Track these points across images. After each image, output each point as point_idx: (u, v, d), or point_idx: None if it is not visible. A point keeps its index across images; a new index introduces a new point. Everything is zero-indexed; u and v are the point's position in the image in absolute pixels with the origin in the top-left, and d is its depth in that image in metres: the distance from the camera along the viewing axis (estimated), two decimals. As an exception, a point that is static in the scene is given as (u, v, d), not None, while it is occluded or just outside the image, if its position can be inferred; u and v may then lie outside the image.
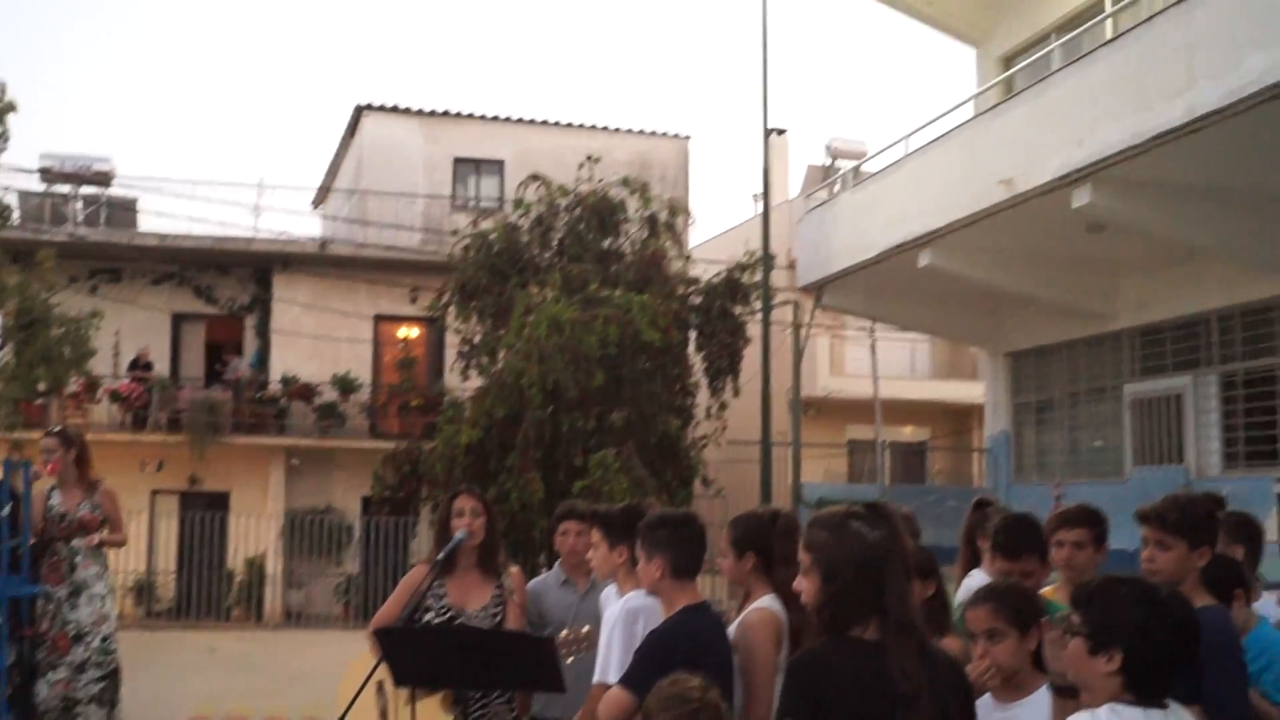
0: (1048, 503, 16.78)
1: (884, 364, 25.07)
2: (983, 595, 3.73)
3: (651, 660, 3.86)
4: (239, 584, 22.06)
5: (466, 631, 4.87)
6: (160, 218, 24.73)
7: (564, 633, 4.93)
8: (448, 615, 5.31)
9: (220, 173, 76.18)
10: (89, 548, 8.05)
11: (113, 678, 8.08)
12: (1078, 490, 16.55)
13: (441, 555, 5.22)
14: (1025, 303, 16.96)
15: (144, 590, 21.96)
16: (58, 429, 8.73)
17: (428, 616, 5.27)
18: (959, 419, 27.85)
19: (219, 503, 22.78)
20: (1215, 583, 4.17)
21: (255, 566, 21.92)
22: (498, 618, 5.38)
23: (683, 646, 3.77)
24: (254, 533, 21.62)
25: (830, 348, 25.80)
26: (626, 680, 3.94)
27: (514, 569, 5.71)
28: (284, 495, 22.74)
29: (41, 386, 20.58)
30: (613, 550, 4.89)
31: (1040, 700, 3.59)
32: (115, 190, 23.66)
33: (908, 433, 28.51)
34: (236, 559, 22.08)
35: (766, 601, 4.47)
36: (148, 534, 22.03)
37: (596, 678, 4.45)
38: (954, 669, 3.11)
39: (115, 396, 21.98)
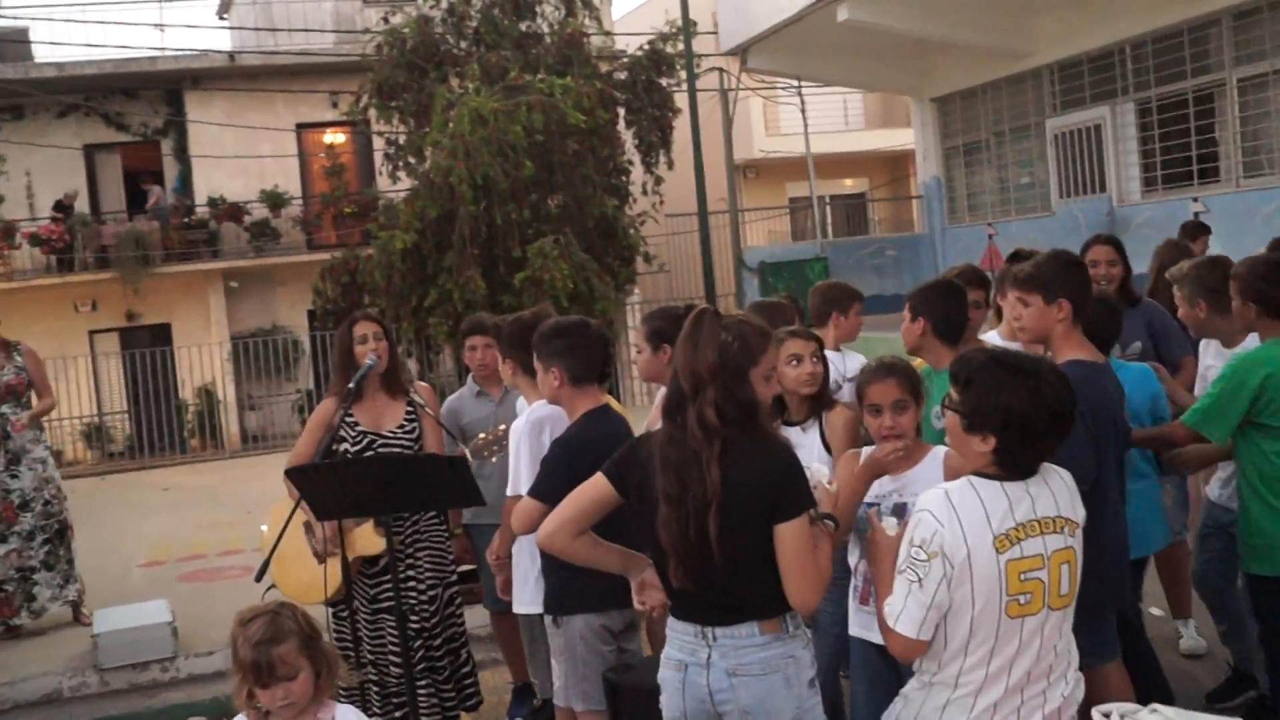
0: (982, 242, 17.17)
1: (817, 119, 24.86)
2: (885, 370, 3.79)
3: (558, 467, 3.98)
4: (193, 414, 21.85)
5: (378, 460, 4.95)
6: (57, 47, 23.71)
7: (480, 436, 5.03)
8: (365, 441, 5.32)
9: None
10: (24, 410, 7.72)
11: (60, 538, 7.92)
12: (1008, 227, 16.89)
13: (352, 384, 5.22)
14: (947, 47, 16.89)
15: (96, 434, 21.72)
16: None
17: (343, 447, 5.28)
18: (897, 166, 27.91)
19: (161, 335, 22.47)
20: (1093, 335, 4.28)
21: (207, 395, 21.67)
22: (414, 434, 5.41)
23: (587, 451, 3.85)
24: (201, 361, 21.39)
25: (764, 109, 25.58)
26: (535, 490, 4.04)
27: (422, 384, 5.76)
28: (226, 319, 22.53)
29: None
30: (504, 362, 4.96)
31: (929, 465, 3.72)
32: (2, 22, 22.58)
33: (848, 185, 28.60)
34: (187, 390, 21.85)
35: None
36: (91, 376, 21.52)
37: (509, 490, 4.56)
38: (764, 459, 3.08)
39: (36, 240, 21.32)
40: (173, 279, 22.02)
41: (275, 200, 22.22)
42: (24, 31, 22.81)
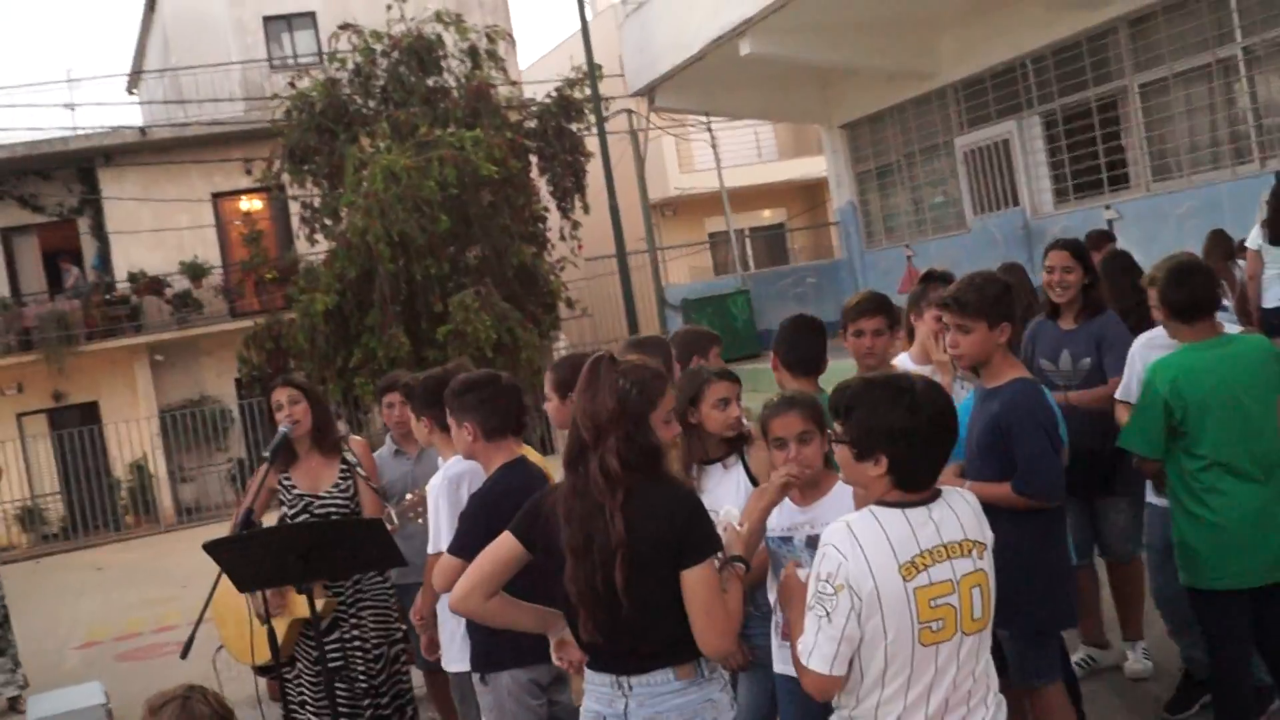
0: (901, 264, 17.38)
1: (730, 153, 25.14)
2: (786, 404, 3.80)
3: (475, 523, 3.96)
4: (126, 491, 21.68)
5: (292, 529, 4.96)
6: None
7: (408, 497, 5.07)
8: (301, 504, 5.41)
9: (24, 74, 71.80)
10: None
11: (5, 624, 7.91)
12: (925, 247, 17.11)
13: (267, 452, 5.29)
14: (851, 73, 17.11)
15: (30, 517, 21.46)
16: None
17: (284, 510, 5.41)
18: (813, 194, 28.19)
19: (89, 414, 22.23)
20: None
21: (139, 470, 21.50)
22: (349, 492, 5.48)
23: (504, 504, 3.81)
24: (131, 437, 21.18)
25: (677, 147, 25.80)
26: (454, 547, 4.03)
27: (356, 439, 5.85)
28: (154, 393, 22.28)
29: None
30: (419, 420, 4.99)
31: (839, 494, 3.70)
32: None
33: (766, 216, 28.84)
34: (118, 466, 21.65)
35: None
36: (22, 458, 21.27)
37: (430, 548, 4.57)
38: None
39: (-45, 326, 21.08)
40: (97, 356, 21.78)
41: (195, 271, 22.08)
42: (-71, 118, 22.48)
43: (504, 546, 3.27)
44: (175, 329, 22.18)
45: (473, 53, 18.08)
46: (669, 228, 26.05)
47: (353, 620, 5.36)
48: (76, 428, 21.30)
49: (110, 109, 50.14)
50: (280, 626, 5.01)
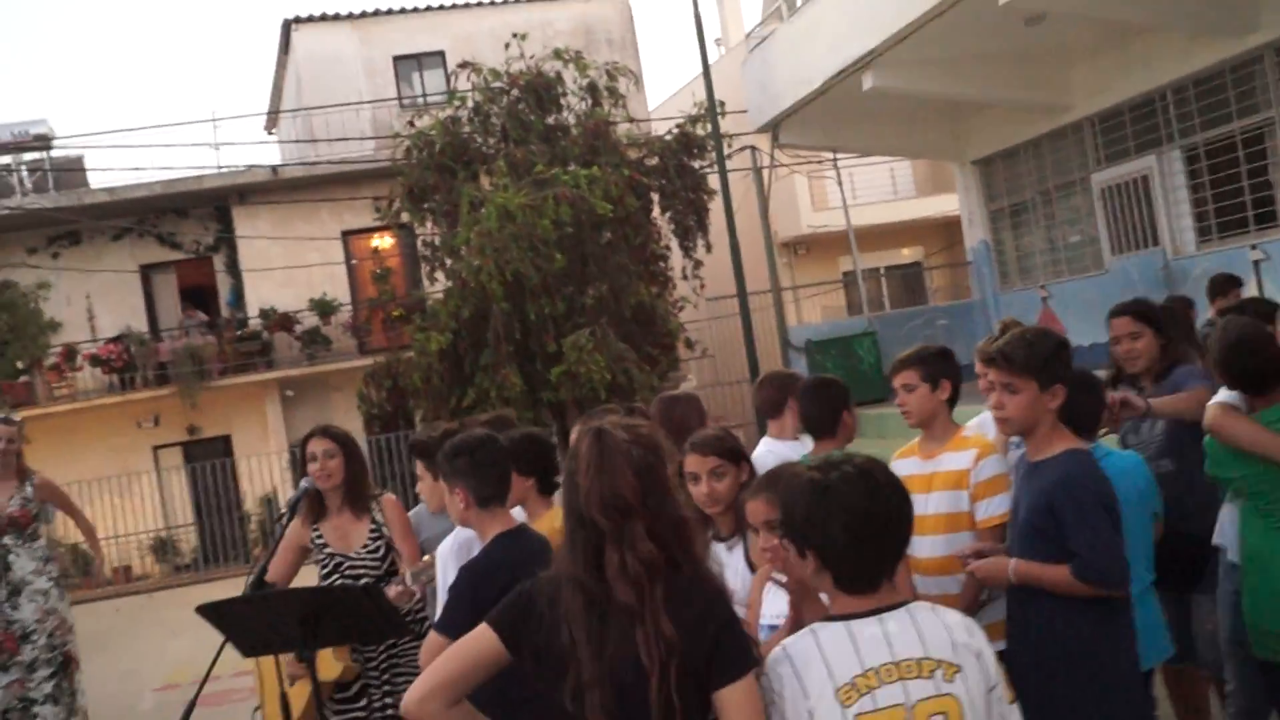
0: (1036, 305, 16.60)
1: (865, 190, 24.53)
2: (759, 485, 3.40)
3: (463, 600, 3.58)
4: (256, 524, 21.99)
5: (291, 595, 4.66)
6: (108, 173, 24.38)
7: (423, 560, 4.74)
8: (333, 564, 5.23)
9: (170, 115, 74.87)
10: (29, 545, 7.73)
11: (63, 671, 7.80)
12: (1062, 288, 16.30)
13: (286, 509, 5.13)
14: (981, 107, 16.48)
15: (163, 547, 22.01)
16: (16, 418, 8.44)
17: (317, 569, 5.25)
18: (952, 232, 27.30)
19: (222, 447, 22.71)
20: (1075, 416, 3.82)
21: (269, 504, 21.80)
22: (379, 554, 5.26)
23: (496, 578, 3.42)
24: (261, 471, 21.55)
25: (809, 185, 25.28)
26: (440, 624, 3.64)
27: (387, 496, 5.53)
28: (284, 428, 22.58)
29: (20, 364, 20.54)
30: (436, 480, 4.63)
31: None
32: (59, 152, 23.19)
33: (905, 254, 28.06)
34: (249, 500, 22.05)
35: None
36: (158, 490, 22.06)
37: (437, 622, 4.23)
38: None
39: (96, 361, 21.72)
40: (230, 391, 22.21)
41: (324, 308, 22.35)
42: (79, 160, 23.33)
43: (481, 643, 2.67)
44: (305, 365, 22.50)
45: (592, 90, 17.89)
46: (801, 266, 25.50)
47: (385, 688, 5.11)
48: (209, 460, 21.83)
49: (251, 148, 51.81)
50: (299, 693, 4.76)
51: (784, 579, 3.12)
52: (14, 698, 7.69)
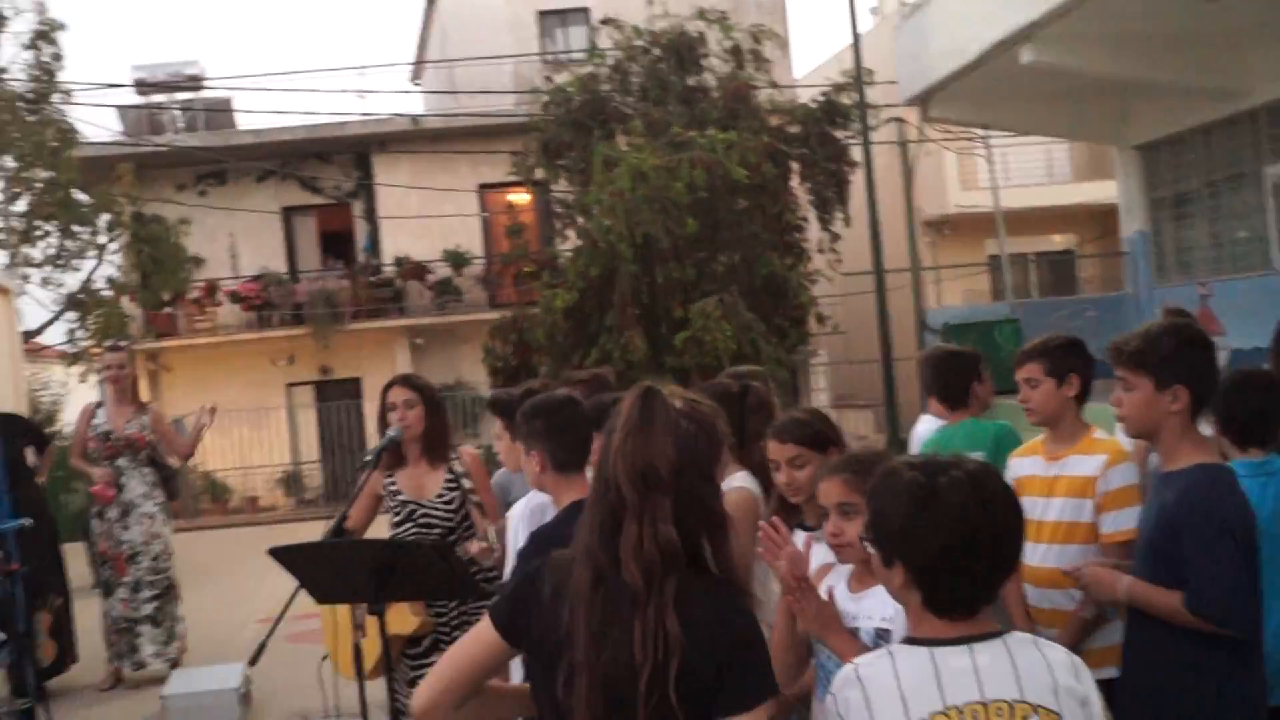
0: (1194, 303, 15.70)
1: (1018, 171, 23.59)
2: (836, 465, 3.04)
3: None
4: (381, 467, 22.39)
5: (366, 545, 4.47)
6: (255, 115, 24.87)
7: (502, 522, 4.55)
8: (405, 511, 5.11)
9: (318, 62, 76.37)
10: (140, 470, 8.08)
11: (166, 596, 8.18)
12: (1224, 287, 15.37)
13: (369, 456, 4.99)
14: (1148, 89, 15.54)
15: (291, 480, 22.60)
16: (123, 344, 8.78)
17: (389, 515, 5.15)
18: (1108, 221, 26.15)
19: (352, 389, 23.04)
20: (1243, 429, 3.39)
21: (394, 448, 22.15)
22: (453, 504, 5.13)
23: (565, 547, 3.14)
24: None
25: (959, 162, 24.45)
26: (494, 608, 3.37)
27: (465, 448, 5.40)
28: (413, 375, 22.82)
29: (165, 296, 21.14)
30: (515, 440, 4.34)
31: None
32: (209, 93, 23.67)
33: (1056, 241, 27.01)
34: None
35: (741, 480, 3.96)
36: (289, 425, 22.64)
37: (502, 585, 4.01)
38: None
39: (235, 297, 22.24)
40: (362, 335, 22.53)
41: (457, 260, 22.47)
42: (227, 101, 23.78)
43: (479, 640, 2.44)
44: (435, 314, 22.68)
45: (735, 52, 17.43)
46: (945, 246, 24.70)
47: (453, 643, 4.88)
48: (340, 400, 22.18)
49: (394, 97, 52.77)
50: (371, 645, 4.57)
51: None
52: (122, 616, 8.07)
